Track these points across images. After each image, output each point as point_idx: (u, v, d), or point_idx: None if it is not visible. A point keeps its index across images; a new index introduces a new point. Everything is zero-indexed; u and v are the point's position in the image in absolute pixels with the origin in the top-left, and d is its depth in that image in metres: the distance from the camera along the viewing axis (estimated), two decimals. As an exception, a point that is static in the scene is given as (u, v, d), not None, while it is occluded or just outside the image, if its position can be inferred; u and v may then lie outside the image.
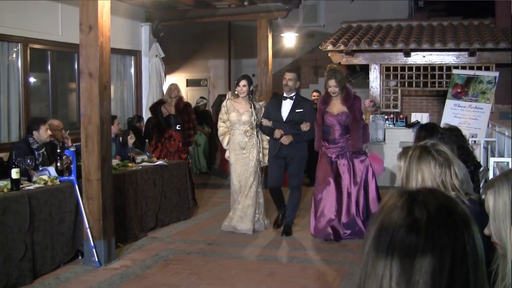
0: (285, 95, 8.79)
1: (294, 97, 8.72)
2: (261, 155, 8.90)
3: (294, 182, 8.78)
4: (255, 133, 8.84)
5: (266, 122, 8.66)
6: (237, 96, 8.90)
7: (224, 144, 8.99)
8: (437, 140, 4.91)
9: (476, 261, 1.40)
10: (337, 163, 8.34)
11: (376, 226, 1.44)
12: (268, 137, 8.88)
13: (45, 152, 7.76)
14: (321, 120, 8.47)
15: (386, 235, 1.40)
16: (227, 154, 9.01)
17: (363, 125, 8.58)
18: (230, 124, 8.84)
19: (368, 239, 1.45)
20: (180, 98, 10.56)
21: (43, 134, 7.75)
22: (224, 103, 8.99)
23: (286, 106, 8.69)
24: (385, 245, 1.39)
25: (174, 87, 10.64)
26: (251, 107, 8.82)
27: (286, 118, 8.63)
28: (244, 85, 8.78)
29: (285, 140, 8.48)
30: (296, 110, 8.63)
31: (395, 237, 1.39)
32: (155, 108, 10.52)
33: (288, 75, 8.80)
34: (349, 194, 8.29)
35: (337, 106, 8.41)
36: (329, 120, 8.40)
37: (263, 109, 9.00)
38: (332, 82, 8.32)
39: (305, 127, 8.50)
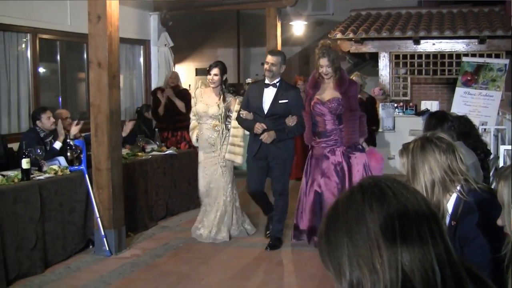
0: (267, 81, 7.37)
1: (277, 84, 7.33)
2: (227, 154, 7.61)
3: (277, 187, 7.42)
4: (226, 127, 7.68)
5: (246, 115, 7.32)
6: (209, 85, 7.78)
7: (193, 140, 7.99)
8: (448, 127, 4.94)
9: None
10: (328, 161, 7.11)
11: (344, 221, 1.46)
12: (245, 133, 7.71)
13: (53, 140, 7.77)
14: (309, 108, 7.21)
15: (361, 224, 1.44)
16: (200, 156, 7.89)
17: (359, 116, 7.23)
18: (198, 117, 7.76)
19: (338, 234, 1.46)
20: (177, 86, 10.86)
21: (45, 122, 7.75)
22: (193, 93, 7.97)
23: (268, 96, 7.31)
24: (367, 232, 1.42)
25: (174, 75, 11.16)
26: (220, 99, 7.63)
27: (268, 111, 7.25)
28: (215, 74, 7.60)
29: (266, 137, 7.15)
30: (280, 101, 7.22)
31: (373, 222, 1.43)
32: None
33: (271, 59, 7.32)
34: None
35: (328, 92, 7.13)
36: (318, 108, 7.13)
37: (237, 100, 7.69)
38: (324, 61, 7.02)
39: (290, 121, 7.16)
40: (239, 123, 7.51)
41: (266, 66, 7.32)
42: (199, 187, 7.87)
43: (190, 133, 8.01)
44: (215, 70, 7.60)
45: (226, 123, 7.70)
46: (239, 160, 7.69)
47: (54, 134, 7.84)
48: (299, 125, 7.20)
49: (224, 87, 7.75)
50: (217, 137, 7.64)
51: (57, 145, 7.63)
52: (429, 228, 1.41)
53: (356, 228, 1.42)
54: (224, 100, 7.65)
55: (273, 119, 7.22)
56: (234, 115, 7.59)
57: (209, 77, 7.63)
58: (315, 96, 7.18)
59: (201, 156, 7.79)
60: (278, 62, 7.29)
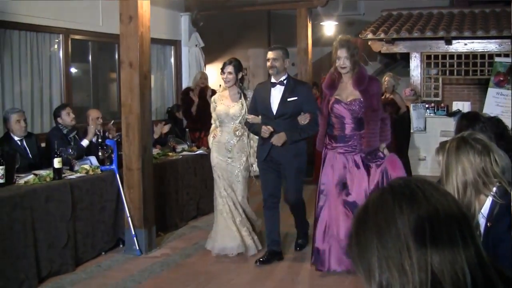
0: (273, 80, 6.73)
1: (284, 81, 6.70)
2: (252, 159, 7.14)
3: (291, 197, 6.90)
4: (246, 133, 7.13)
5: (253, 118, 6.72)
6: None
7: (209, 143, 7.38)
8: (479, 129, 4.88)
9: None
10: (346, 169, 6.22)
11: (374, 222, 1.47)
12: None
13: (76, 136, 7.84)
14: (327, 110, 6.33)
15: (392, 224, 1.44)
16: (213, 159, 7.27)
17: (382, 118, 6.32)
18: (219, 120, 7.17)
19: (370, 235, 1.46)
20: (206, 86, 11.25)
21: (65, 118, 7.80)
22: (213, 97, 7.49)
23: (276, 95, 6.67)
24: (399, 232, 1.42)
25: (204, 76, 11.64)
26: (241, 98, 7.11)
27: (277, 111, 6.61)
28: (229, 72, 7.04)
29: (277, 140, 6.53)
30: (289, 99, 6.59)
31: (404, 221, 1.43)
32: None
33: (271, 54, 6.68)
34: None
35: (348, 91, 6.25)
36: (337, 109, 6.23)
37: None
38: (342, 52, 6.14)
39: (303, 119, 6.54)
40: (247, 128, 7.00)
41: (268, 63, 6.70)
42: (218, 192, 7.19)
43: (209, 136, 7.50)
44: (229, 68, 7.07)
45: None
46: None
47: (77, 130, 7.92)
48: (313, 123, 6.53)
49: (242, 85, 7.23)
50: (236, 143, 7.09)
51: (85, 142, 7.71)
52: (460, 230, 1.41)
53: (386, 229, 1.42)
54: (245, 99, 7.14)
55: (283, 120, 6.62)
56: None
57: (222, 75, 7.13)
58: (333, 96, 6.32)
59: (214, 159, 7.20)
60: (280, 56, 6.65)
